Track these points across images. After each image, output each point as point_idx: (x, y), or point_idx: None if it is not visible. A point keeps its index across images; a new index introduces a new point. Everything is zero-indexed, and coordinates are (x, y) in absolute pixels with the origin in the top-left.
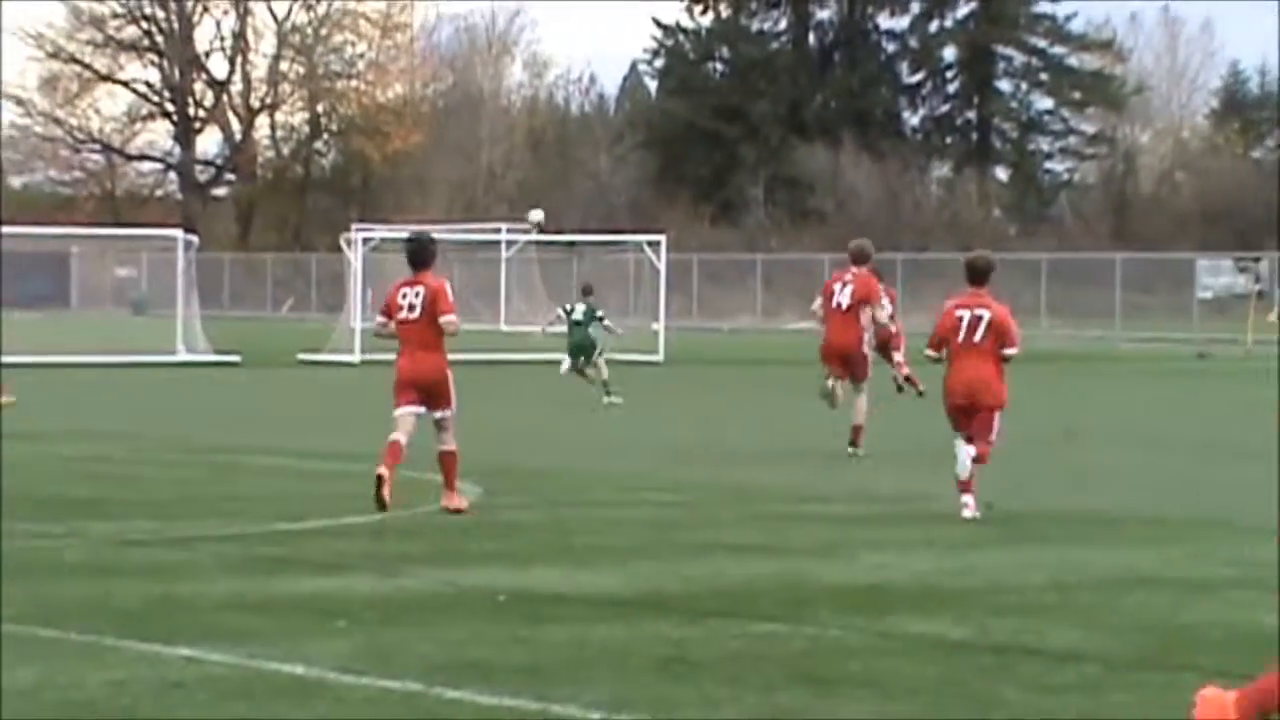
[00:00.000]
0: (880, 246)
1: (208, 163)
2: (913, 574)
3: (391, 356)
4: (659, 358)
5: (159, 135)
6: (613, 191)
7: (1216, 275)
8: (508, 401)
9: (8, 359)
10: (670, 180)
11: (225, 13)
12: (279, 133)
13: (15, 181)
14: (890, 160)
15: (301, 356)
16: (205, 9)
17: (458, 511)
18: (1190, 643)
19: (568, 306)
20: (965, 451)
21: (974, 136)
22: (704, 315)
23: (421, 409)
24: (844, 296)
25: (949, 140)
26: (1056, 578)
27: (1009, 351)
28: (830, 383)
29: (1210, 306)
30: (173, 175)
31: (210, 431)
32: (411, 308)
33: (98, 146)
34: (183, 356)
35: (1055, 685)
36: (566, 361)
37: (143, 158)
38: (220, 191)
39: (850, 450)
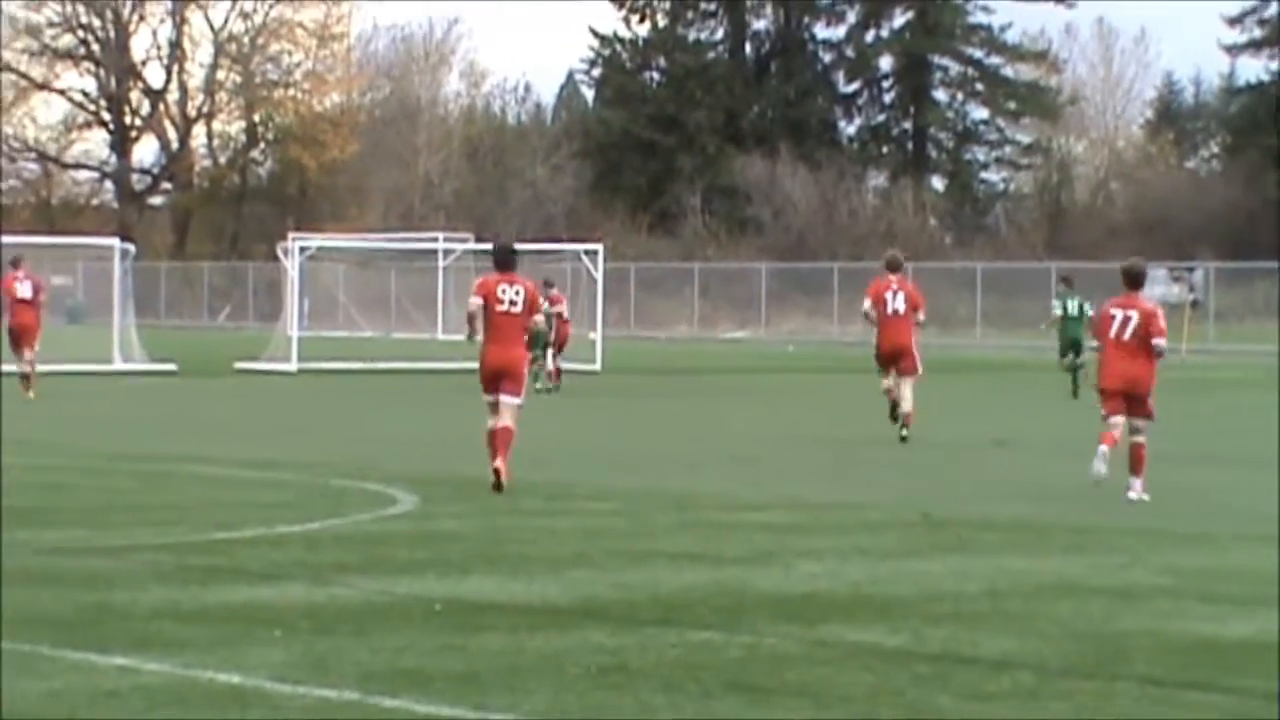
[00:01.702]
0: (817, 256)
1: (144, 171)
2: (848, 583)
3: (327, 366)
4: (596, 366)
5: (95, 144)
6: (550, 201)
7: (1151, 285)
8: (443, 410)
9: None
10: (607, 189)
11: (162, 21)
12: (215, 141)
13: None
14: (826, 170)
15: (238, 365)
16: (142, 18)
17: (497, 475)
18: (1122, 651)
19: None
20: (1101, 454)
21: (910, 146)
22: (641, 324)
23: (503, 395)
24: (898, 303)
25: (885, 150)
26: (990, 586)
27: (1157, 342)
28: (888, 384)
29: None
30: (109, 184)
31: (145, 440)
32: (513, 303)
33: (34, 155)
34: (119, 365)
35: (989, 693)
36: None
37: (79, 166)
38: (157, 200)
39: (902, 433)
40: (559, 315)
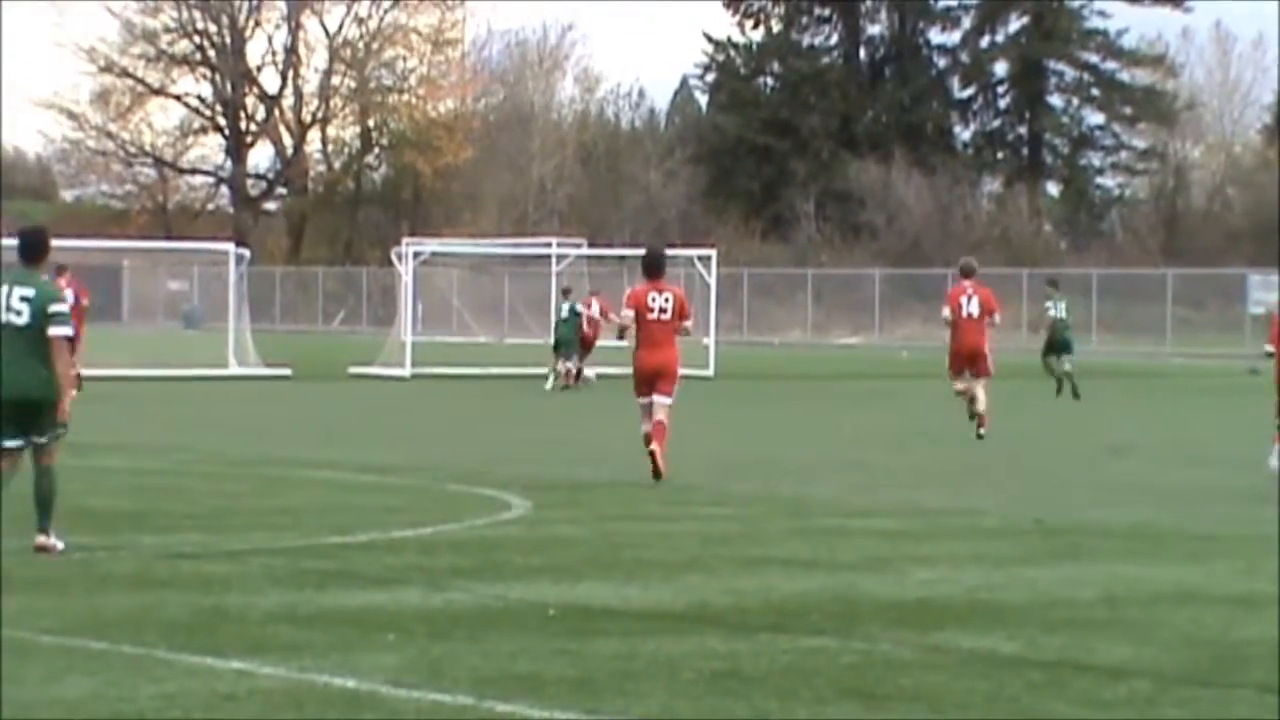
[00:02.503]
0: (931, 261)
1: (259, 176)
2: (963, 589)
3: (441, 371)
4: (709, 372)
5: (211, 149)
6: (663, 206)
7: (1268, 290)
8: (557, 414)
9: None
10: (720, 195)
11: (277, 27)
12: (330, 147)
13: (68, 195)
14: (941, 175)
15: (352, 370)
16: (257, 23)
17: (653, 457)
18: (1241, 659)
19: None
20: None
21: (1025, 151)
22: (754, 330)
23: (655, 396)
24: (972, 307)
25: (1000, 155)
26: (1106, 593)
27: None
28: (962, 386)
29: (1262, 322)
30: (224, 189)
31: (261, 445)
32: (663, 310)
33: (150, 160)
34: (234, 370)
35: (1106, 701)
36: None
37: (195, 171)
38: (272, 205)
39: (979, 433)
40: (589, 319)
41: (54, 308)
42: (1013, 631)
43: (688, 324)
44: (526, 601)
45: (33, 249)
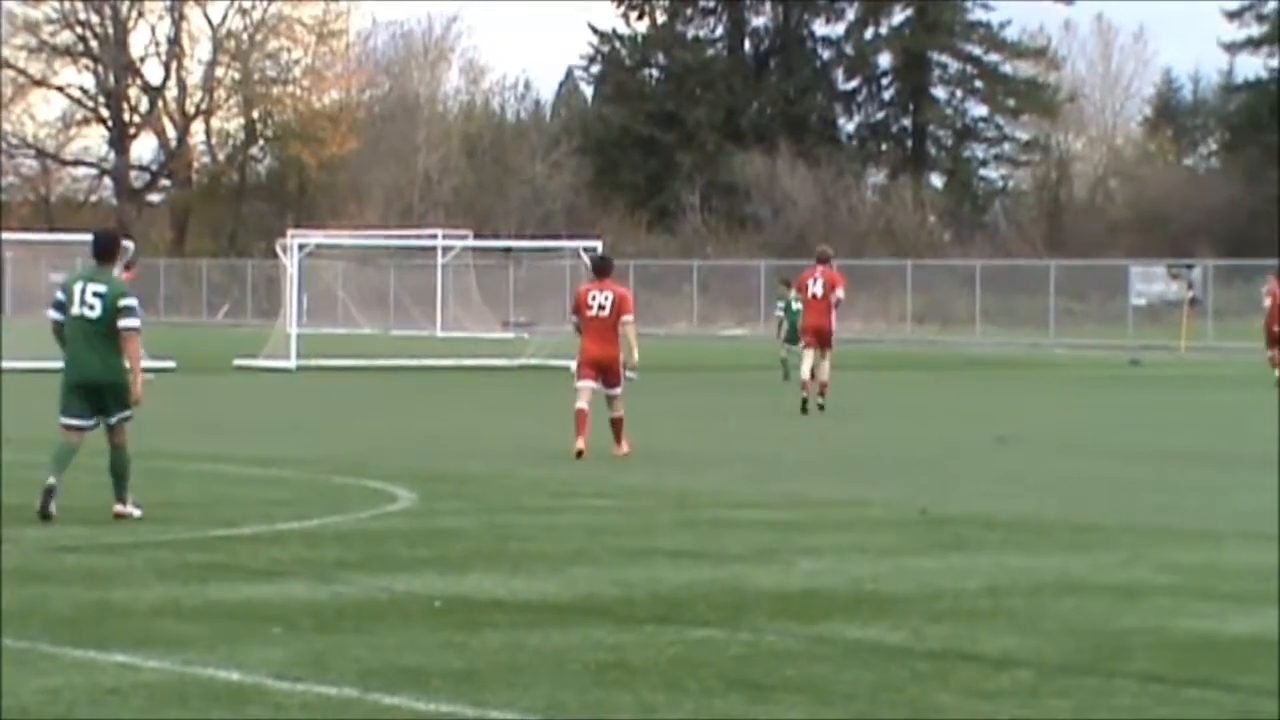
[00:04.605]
0: (815, 253)
1: (143, 168)
2: (848, 579)
3: (326, 363)
4: None
5: (94, 141)
6: (549, 197)
7: (1150, 282)
8: (443, 407)
9: None
10: (606, 186)
11: (160, 18)
12: (214, 138)
13: None
14: (826, 167)
15: (237, 362)
16: (140, 14)
17: (580, 454)
18: (1124, 648)
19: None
20: None
21: (909, 143)
22: (640, 321)
23: (597, 384)
24: (818, 288)
25: (884, 147)
26: (991, 583)
27: None
28: (800, 348)
29: (1144, 313)
30: (108, 181)
31: (145, 437)
32: (601, 307)
33: (32, 152)
34: None
35: (990, 691)
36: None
37: (77, 163)
38: (155, 197)
39: (819, 403)
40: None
41: (123, 302)
42: (898, 622)
43: (626, 318)
44: (412, 594)
45: (105, 248)
